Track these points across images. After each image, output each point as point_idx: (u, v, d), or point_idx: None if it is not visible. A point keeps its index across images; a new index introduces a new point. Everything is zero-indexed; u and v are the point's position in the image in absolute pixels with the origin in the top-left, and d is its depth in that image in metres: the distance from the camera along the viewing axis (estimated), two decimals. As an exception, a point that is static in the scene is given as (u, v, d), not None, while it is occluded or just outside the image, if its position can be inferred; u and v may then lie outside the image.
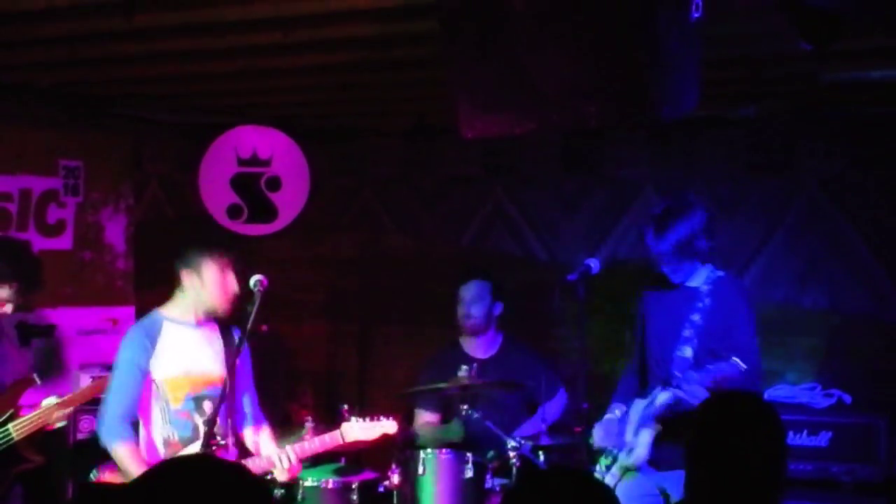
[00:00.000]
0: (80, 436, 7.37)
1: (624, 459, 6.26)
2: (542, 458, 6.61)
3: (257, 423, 6.35)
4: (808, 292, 7.82)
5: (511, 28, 4.77)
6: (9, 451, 6.30)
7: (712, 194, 7.90)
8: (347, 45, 6.35)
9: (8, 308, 6.45)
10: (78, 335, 7.98)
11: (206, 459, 2.75)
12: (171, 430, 5.98)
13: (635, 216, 8.28)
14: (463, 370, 6.81)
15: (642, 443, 6.18)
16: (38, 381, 6.63)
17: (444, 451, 6.69)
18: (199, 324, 6.12)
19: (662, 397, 6.07)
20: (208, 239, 6.31)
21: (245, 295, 5.97)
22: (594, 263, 6.28)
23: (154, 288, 6.89)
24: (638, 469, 6.18)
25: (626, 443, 6.28)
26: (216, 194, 8.84)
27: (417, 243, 9.20)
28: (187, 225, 8.83)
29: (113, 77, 7.47)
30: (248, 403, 6.30)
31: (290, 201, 8.96)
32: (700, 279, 6.26)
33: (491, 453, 6.74)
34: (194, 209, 8.83)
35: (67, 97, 7.95)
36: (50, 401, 6.41)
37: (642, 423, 6.20)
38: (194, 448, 5.86)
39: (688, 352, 6.14)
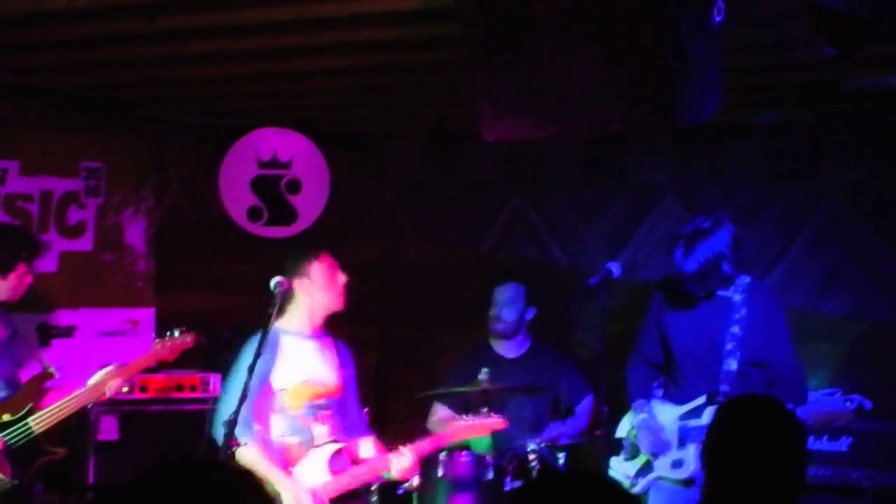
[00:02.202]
0: (101, 436, 7.39)
1: (669, 472, 6.25)
2: (561, 460, 6.59)
3: (366, 433, 6.59)
4: (830, 299, 7.79)
5: (533, 32, 4.76)
6: (30, 445, 6.33)
7: (734, 201, 7.87)
8: (369, 48, 6.35)
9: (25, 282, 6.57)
10: (98, 336, 7.99)
11: (209, 463, 2.73)
12: (290, 436, 6.21)
13: (656, 222, 8.27)
14: (483, 373, 6.81)
15: (692, 457, 6.17)
16: (56, 374, 6.66)
17: (463, 453, 6.68)
18: (313, 335, 6.36)
19: (711, 413, 6.09)
20: (307, 244, 6.57)
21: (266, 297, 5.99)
22: (615, 267, 6.28)
23: (174, 290, 6.90)
24: (692, 483, 6.16)
25: (668, 452, 6.28)
26: (236, 196, 8.83)
27: (437, 249, 9.18)
28: (208, 227, 8.83)
29: (135, 79, 7.48)
30: (356, 414, 6.57)
31: (310, 204, 8.94)
32: (730, 287, 6.28)
33: (511, 456, 6.73)
34: (215, 211, 8.83)
35: (89, 99, 7.96)
36: (105, 370, 6.45)
37: (688, 437, 6.20)
38: (314, 452, 6.18)
39: (733, 364, 6.19)
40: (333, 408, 6.34)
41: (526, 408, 7.29)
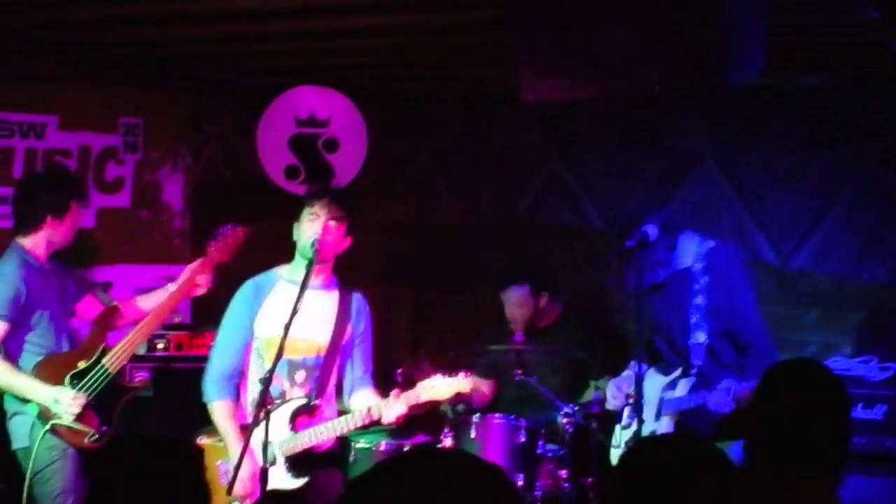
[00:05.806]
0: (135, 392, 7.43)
1: None
2: (595, 425, 6.61)
3: (363, 389, 6.05)
4: (867, 266, 7.73)
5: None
6: (109, 387, 6.32)
7: (771, 165, 7.83)
8: (407, 6, 6.33)
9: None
10: (134, 293, 8.02)
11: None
12: (259, 391, 5.46)
13: (694, 186, 8.23)
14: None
15: (665, 428, 6.18)
16: (119, 307, 6.65)
17: (496, 415, 6.70)
18: (321, 285, 5.92)
19: (685, 386, 6.09)
20: (312, 189, 6.13)
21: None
22: (652, 230, 6.15)
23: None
24: None
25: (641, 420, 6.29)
26: (274, 155, 8.84)
27: (472, 210, 9.17)
28: (245, 185, 8.84)
29: (173, 37, 7.50)
30: (354, 370, 6.04)
31: (348, 162, 8.92)
32: (690, 256, 6.23)
33: (543, 419, 6.74)
34: (252, 170, 8.85)
35: (128, 57, 7.98)
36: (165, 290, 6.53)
37: (664, 409, 6.19)
38: (279, 411, 5.66)
39: (701, 337, 6.13)
40: (313, 365, 5.83)
41: (558, 372, 7.29)
